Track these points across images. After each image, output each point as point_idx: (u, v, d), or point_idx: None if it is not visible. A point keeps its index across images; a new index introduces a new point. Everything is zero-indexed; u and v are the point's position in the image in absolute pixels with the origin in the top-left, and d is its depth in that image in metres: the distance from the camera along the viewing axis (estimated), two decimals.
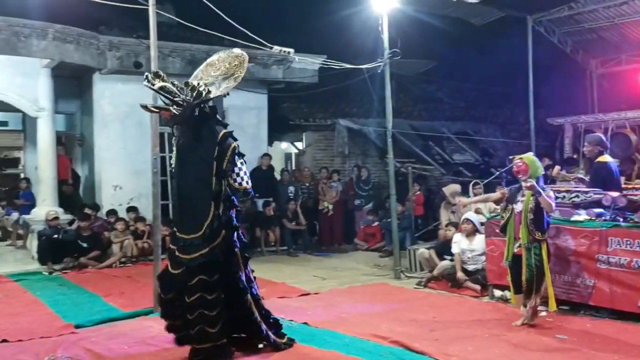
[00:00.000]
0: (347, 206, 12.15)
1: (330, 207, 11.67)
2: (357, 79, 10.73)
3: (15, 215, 11.20)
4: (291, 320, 5.82)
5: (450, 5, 10.26)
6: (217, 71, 4.70)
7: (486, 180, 9.90)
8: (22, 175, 12.99)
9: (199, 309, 4.17)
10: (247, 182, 4.46)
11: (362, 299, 7.04)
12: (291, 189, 11.85)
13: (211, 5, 7.35)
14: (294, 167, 14.53)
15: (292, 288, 7.65)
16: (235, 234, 4.50)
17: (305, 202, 11.90)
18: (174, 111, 4.32)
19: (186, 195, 4.37)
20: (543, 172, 5.70)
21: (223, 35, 8.69)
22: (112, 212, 10.34)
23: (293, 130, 13.50)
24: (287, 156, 15.82)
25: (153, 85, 4.35)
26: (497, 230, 6.60)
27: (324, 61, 10.78)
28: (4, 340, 5.19)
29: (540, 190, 5.39)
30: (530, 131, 11.76)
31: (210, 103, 4.61)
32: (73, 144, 12.31)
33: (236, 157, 4.37)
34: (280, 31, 10.54)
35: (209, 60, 4.81)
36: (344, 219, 11.99)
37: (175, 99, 4.34)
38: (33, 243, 9.83)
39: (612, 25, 12.62)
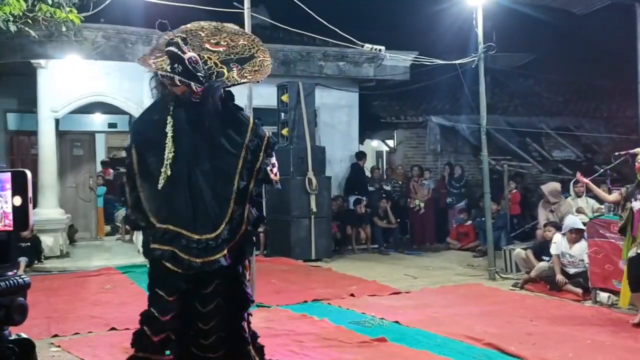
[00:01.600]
0: (439, 204, 11.95)
1: (422, 205, 11.52)
2: (449, 75, 10.51)
3: (123, 210, 11.96)
4: (382, 319, 5.81)
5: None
6: (220, 47, 4.02)
7: (589, 179, 9.36)
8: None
9: (216, 316, 3.54)
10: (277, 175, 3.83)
11: (455, 299, 6.90)
12: (383, 186, 11.86)
13: (303, 6, 7.47)
14: (385, 165, 14.47)
15: (383, 286, 7.63)
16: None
17: (397, 200, 11.84)
18: (194, 88, 3.53)
19: (198, 188, 3.49)
20: None
21: (315, 35, 8.82)
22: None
23: (384, 128, 13.44)
24: (379, 154, 15.78)
25: (183, 54, 3.51)
26: (602, 232, 6.26)
27: (416, 58, 10.66)
28: (113, 329, 5.58)
29: None
30: (638, 126, 10.99)
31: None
32: None
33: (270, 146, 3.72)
34: (371, 29, 10.54)
35: (184, 27, 4.11)
36: (435, 217, 11.81)
37: (199, 74, 3.61)
38: (139, 237, 10.44)
39: None
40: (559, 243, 7.10)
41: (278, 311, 6.20)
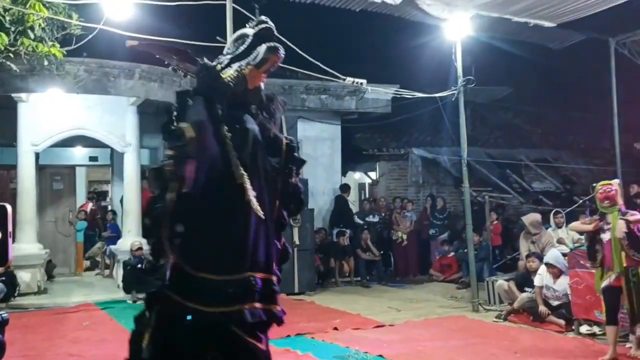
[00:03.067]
0: (422, 236, 11.98)
1: (404, 237, 11.54)
2: (430, 108, 10.67)
3: (100, 244, 11.85)
4: (366, 353, 5.75)
5: (526, 30, 10.03)
6: None
7: (568, 209, 9.48)
8: (109, 208, 13.69)
9: None
10: None
11: (439, 331, 6.86)
12: (371, 218, 11.88)
13: (285, 40, 7.56)
14: (367, 197, 14.51)
15: (367, 319, 7.57)
16: None
17: (380, 232, 11.84)
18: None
19: (262, 218, 2.69)
20: None
21: (296, 69, 8.90)
22: None
23: (366, 160, 13.53)
24: (361, 186, 15.83)
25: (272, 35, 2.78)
26: (583, 262, 6.31)
27: (397, 91, 10.80)
28: None
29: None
30: (615, 157, 11.21)
31: None
32: None
33: None
34: (352, 62, 10.68)
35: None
36: (418, 249, 11.82)
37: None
38: (119, 272, 10.29)
39: None
40: (543, 275, 7.13)
41: None
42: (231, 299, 2.57)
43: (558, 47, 11.72)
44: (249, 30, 2.81)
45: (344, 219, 11.56)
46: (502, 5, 8.31)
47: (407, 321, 7.48)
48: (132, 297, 9.37)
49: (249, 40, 2.78)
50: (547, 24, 9.15)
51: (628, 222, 5.21)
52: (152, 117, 11.88)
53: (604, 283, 5.44)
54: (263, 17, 2.85)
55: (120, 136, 10.66)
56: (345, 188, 11.86)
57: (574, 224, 6.48)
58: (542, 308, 6.95)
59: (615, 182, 5.58)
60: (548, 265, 7.06)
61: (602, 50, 11.42)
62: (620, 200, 5.43)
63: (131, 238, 10.35)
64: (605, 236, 5.39)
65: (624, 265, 5.25)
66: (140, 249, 9.87)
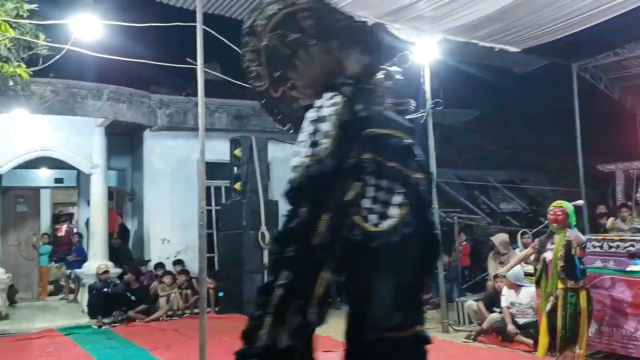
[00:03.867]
0: None
1: None
2: None
3: (61, 268, 11.61)
4: None
5: (492, 55, 10.26)
6: None
7: (535, 230, 9.63)
8: (74, 230, 13.41)
9: None
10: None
11: None
12: None
13: None
14: None
15: (338, 342, 7.49)
16: None
17: None
18: None
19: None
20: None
21: None
22: (160, 266, 10.51)
23: None
24: None
25: None
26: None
27: None
28: None
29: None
30: (579, 179, 11.47)
31: None
32: (124, 199, 12.70)
33: None
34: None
35: None
36: None
37: None
38: (84, 297, 10.04)
39: None
40: (507, 294, 7.21)
41: None
42: None
43: (523, 71, 12.03)
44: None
45: None
46: (468, 30, 8.49)
47: None
48: (98, 322, 9.15)
49: None
50: (511, 49, 9.38)
51: (570, 242, 5.25)
52: (120, 138, 11.77)
53: (548, 306, 5.39)
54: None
55: (87, 157, 10.49)
56: None
57: (516, 259, 6.67)
58: (510, 327, 7.01)
59: (565, 203, 5.53)
60: (496, 277, 7.23)
61: (565, 75, 11.75)
62: (570, 221, 5.38)
63: (97, 261, 10.15)
64: (548, 255, 5.41)
65: (560, 286, 5.25)
66: (106, 272, 9.67)
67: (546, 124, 14.97)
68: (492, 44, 9.15)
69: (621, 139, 13.89)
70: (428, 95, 8.60)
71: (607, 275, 5.98)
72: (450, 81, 11.22)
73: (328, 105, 2.73)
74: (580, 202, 6.42)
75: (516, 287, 7.11)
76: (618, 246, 6.13)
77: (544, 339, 5.56)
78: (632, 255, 6.01)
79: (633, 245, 6.08)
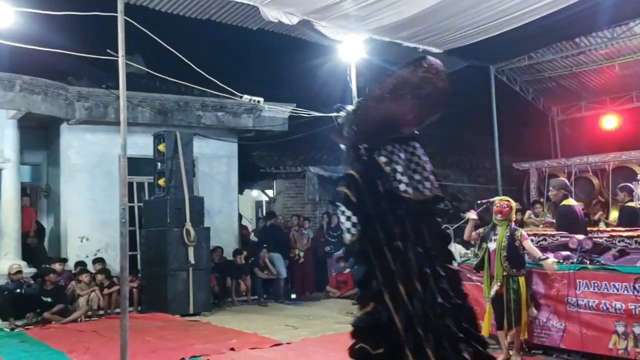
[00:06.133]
0: (318, 253, 12.10)
1: (301, 254, 11.60)
2: (326, 127, 10.86)
3: None
4: None
5: (416, 55, 10.57)
6: None
7: (456, 225, 9.99)
8: None
9: None
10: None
11: (336, 348, 6.91)
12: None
13: (180, 56, 7.43)
14: (263, 216, 14.48)
15: (263, 338, 7.50)
16: None
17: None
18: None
19: None
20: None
21: (193, 85, 8.77)
22: (80, 264, 10.10)
23: (264, 178, 13.52)
24: (258, 204, 15.77)
25: None
26: (469, 275, 6.65)
27: (293, 109, 10.93)
28: None
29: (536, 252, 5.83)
30: (497, 176, 12.01)
31: None
32: (38, 195, 12.10)
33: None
34: (249, 80, 10.68)
35: None
36: (315, 266, 11.92)
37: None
38: None
39: (571, 74, 13.17)
40: None
41: None
42: None
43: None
44: None
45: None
46: (392, 30, 8.69)
47: (304, 339, 7.49)
48: (10, 325, 8.68)
49: None
50: (434, 50, 9.69)
51: (513, 235, 5.76)
52: (34, 131, 11.19)
53: (492, 291, 5.88)
54: None
55: None
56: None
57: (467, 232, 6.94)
58: None
59: (505, 199, 6.08)
60: None
61: (483, 76, 12.26)
62: (513, 217, 6.01)
63: (9, 261, 9.61)
64: (492, 245, 5.89)
65: (504, 273, 5.77)
66: (19, 272, 9.19)
67: (465, 123, 15.52)
68: (415, 44, 9.42)
69: (535, 138, 14.67)
70: (355, 93, 8.73)
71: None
72: (375, 80, 11.38)
73: None
74: (497, 198, 6.73)
75: None
76: (532, 240, 6.45)
77: (487, 322, 5.93)
78: (544, 249, 6.35)
79: (545, 239, 6.42)
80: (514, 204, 6.03)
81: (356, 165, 3.45)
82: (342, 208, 3.42)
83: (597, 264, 5.88)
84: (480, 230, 6.23)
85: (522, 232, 6.00)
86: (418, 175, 3.48)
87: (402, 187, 3.34)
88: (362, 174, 3.41)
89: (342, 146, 3.54)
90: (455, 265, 7.24)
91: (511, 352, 5.90)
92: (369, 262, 3.36)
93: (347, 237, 3.41)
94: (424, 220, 3.41)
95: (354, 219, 3.39)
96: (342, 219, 3.43)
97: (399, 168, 3.41)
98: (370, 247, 3.33)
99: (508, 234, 5.80)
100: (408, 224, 3.33)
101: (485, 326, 5.97)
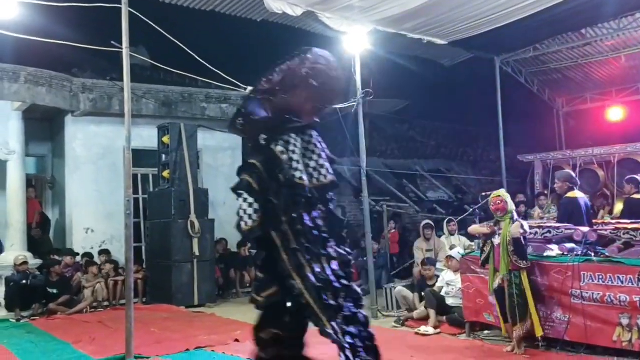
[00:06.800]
0: None
1: None
2: (330, 119, 10.84)
3: None
4: None
5: (421, 47, 10.52)
6: None
7: (460, 217, 9.99)
8: None
9: None
10: (244, 223, 3.61)
11: None
12: None
13: (185, 48, 7.41)
14: None
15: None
16: None
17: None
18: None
19: None
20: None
21: (197, 77, 8.75)
22: (87, 255, 10.15)
23: None
24: None
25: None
26: (473, 267, 6.66)
27: None
28: None
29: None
30: (501, 168, 11.97)
31: None
32: (44, 187, 12.14)
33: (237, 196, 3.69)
34: (254, 72, 10.64)
35: None
36: None
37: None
38: (0, 290, 9.54)
39: (576, 65, 13.08)
40: (443, 276, 7.53)
41: None
42: None
43: (449, 63, 12.39)
44: None
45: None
46: (398, 22, 8.64)
47: (308, 330, 7.50)
48: (16, 316, 8.74)
49: None
50: (439, 41, 9.64)
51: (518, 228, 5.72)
52: (39, 123, 11.21)
53: (495, 284, 5.90)
54: None
55: (2, 143, 9.95)
56: None
57: (474, 227, 6.87)
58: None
59: (502, 192, 6.06)
60: (449, 258, 7.50)
61: (488, 68, 12.20)
62: (510, 207, 5.91)
63: (14, 252, 9.66)
64: (496, 240, 5.89)
65: (510, 268, 5.75)
66: (25, 263, 9.24)
67: (470, 115, 15.50)
68: (420, 36, 9.36)
69: (539, 130, 14.61)
70: (359, 84, 8.70)
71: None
72: (380, 72, 11.38)
73: None
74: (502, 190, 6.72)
75: (455, 266, 7.30)
76: (536, 233, 6.44)
77: (507, 326, 5.95)
78: (549, 241, 6.34)
79: (550, 232, 6.40)
80: (507, 196, 5.98)
81: (256, 156, 3.64)
82: (245, 196, 3.62)
83: (602, 256, 5.87)
84: (492, 223, 6.20)
85: (521, 222, 5.94)
86: (313, 162, 3.61)
87: (298, 174, 3.50)
88: (264, 163, 3.58)
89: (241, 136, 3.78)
90: (458, 256, 7.28)
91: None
92: (270, 247, 3.52)
93: (249, 223, 3.55)
94: (320, 206, 3.61)
95: (256, 205, 3.57)
96: (245, 206, 3.59)
97: (295, 157, 3.54)
98: (275, 232, 3.50)
99: (511, 227, 5.78)
100: (305, 209, 3.52)
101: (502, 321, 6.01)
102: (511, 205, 5.95)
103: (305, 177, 3.53)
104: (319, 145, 3.68)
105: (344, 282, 3.60)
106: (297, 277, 3.45)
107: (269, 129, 3.63)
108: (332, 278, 3.52)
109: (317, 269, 3.48)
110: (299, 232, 3.49)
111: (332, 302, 3.51)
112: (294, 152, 3.56)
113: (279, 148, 3.56)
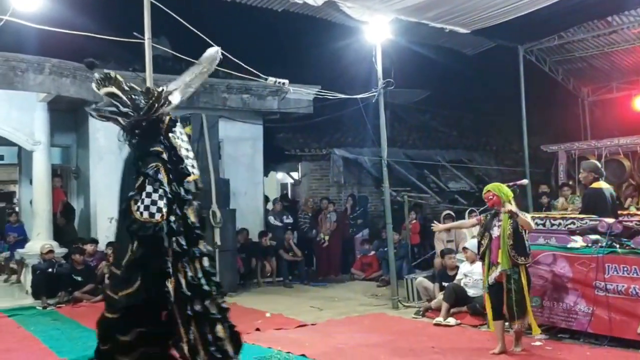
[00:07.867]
0: (344, 236, 12.11)
1: (326, 238, 11.61)
2: (351, 109, 10.81)
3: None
4: (288, 353, 5.75)
5: (443, 36, 10.40)
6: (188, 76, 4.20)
7: (482, 208, 9.89)
8: (16, 209, 12.94)
9: None
10: (149, 214, 3.45)
11: (360, 329, 6.97)
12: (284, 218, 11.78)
13: (206, 38, 7.42)
14: (278, 198, 14.50)
15: (289, 319, 7.57)
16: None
17: (306, 232, 11.85)
18: (122, 122, 3.78)
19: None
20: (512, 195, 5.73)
21: (218, 67, 8.75)
22: (110, 245, 10.27)
23: (288, 160, 13.53)
24: (283, 186, 15.81)
25: (99, 89, 3.91)
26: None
27: (319, 91, 10.87)
28: None
29: (518, 212, 5.53)
30: (524, 159, 11.83)
31: (172, 116, 4.07)
32: (69, 177, 12.32)
33: (147, 181, 3.55)
34: (274, 62, 10.65)
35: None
36: (341, 248, 11.94)
37: (123, 109, 3.82)
38: (27, 277, 9.74)
39: (602, 54, 12.82)
40: (462, 267, 7.49)
41: None
42: None
43: (472, 52, 12.23)
44: None
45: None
46: (419, 10, 8.55)
47: (329, 320, 7.55)
48: (42, 303, 8.91)
49: None
50: (461, 30, 9.52)
51: (515, 223, 5.50)
52: (64, 114, 11.35)
53: (490, 279, 5.66)
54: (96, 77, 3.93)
55: (28, 134, 10.10)
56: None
57: (436, 226, 6.81)
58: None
59: (491, 186, 5.81)
60: (464, 249, 7.44)
61: (512, 57, 12.02)
62: (510, 198, 5.63)
63: (41, 241, 9.83)
64: (495, 232, 5.65)
65: (511, 263, 5.49)
66: (51, 251, 9.41)
67: (493, 104, 15.30)
68: (442, 24, 9.26)
69: (564, 120, 14.38)
70: (380, 74, 8.64)
71: (549, 252, 6.22)
72: (401, 61, 11.29)
73: None
74: (525, 181, 6.62)
75: (472, 257, 7.22)
76: (559, 224, 6.37)
77: (489, 312, 5.80)
78: (572, 232, 6.26)
79: (573, 223, 6.33)
80: (499, 189, 5.68)
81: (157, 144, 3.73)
82: (160, 185, 3.55)
83: (627, 248, 5.78)
84: (482, 216, 6.01)
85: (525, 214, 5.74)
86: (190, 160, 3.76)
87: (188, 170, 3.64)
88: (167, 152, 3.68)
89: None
90: (473, 247, 7.20)
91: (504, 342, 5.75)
92: (153, 244, 3.42)
93: (157, 216, 3.42)
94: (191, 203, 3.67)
95: (166, 199, 3.49)
96: (155, 196, 3.47)
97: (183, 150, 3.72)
98: (168, 228, 3.47)
99: (512, 220, 5.54)
100: (189, 205, 3.63)
101: (490, 318, 5.87)
102: (507, 195, 5.63)
103: (196, 172, 3.73)
104: (184, 144, 3.87)
105: (215, 279, 3.69)
106: (174, 281, 3.44)
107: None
108: (203, 281, 3.56)
109: (190, 273, 3.51)
110: (181, 232, 3.47)
111: (197, 307, 3.50)
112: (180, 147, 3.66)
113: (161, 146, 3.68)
